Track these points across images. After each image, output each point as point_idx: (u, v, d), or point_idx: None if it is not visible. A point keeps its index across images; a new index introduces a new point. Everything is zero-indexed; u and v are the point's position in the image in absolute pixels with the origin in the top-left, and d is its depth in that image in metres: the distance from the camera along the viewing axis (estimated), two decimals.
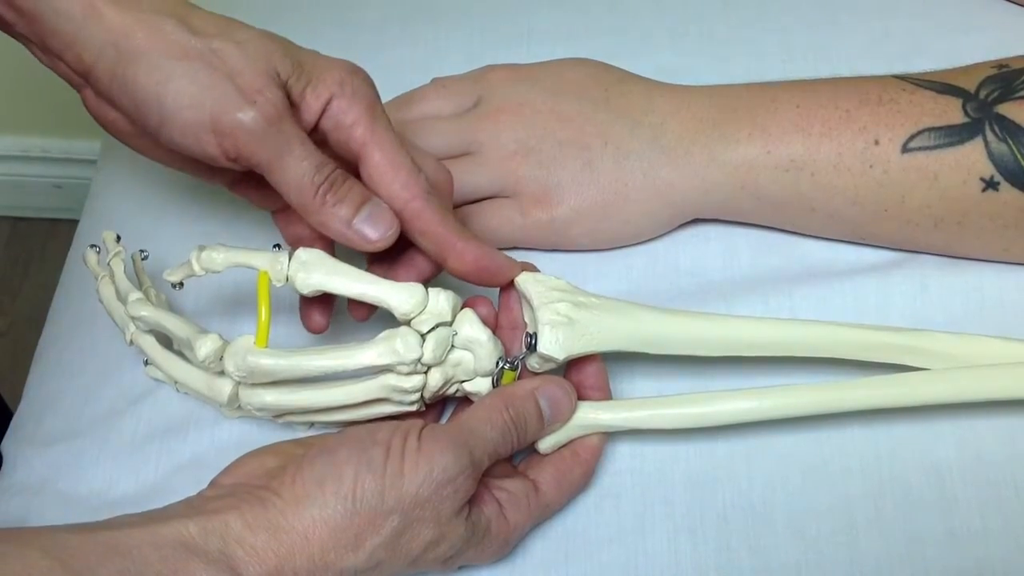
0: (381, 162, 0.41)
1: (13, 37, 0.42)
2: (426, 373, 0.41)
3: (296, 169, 0.39)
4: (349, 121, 0.41)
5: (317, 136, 0.41)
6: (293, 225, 0.45)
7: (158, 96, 0.39)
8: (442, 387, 0.42)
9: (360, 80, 0.42)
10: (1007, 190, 0.44)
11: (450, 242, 0.41)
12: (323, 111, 0.41)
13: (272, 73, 0.39)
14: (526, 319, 0.43)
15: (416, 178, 0.41)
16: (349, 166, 0.42)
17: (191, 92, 0.38)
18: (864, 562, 0.42)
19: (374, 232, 0.40)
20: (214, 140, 0.39)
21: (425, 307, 0.41)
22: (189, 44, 0.39)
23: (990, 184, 0.44)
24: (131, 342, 0.45)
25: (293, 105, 0.40)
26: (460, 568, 0.41)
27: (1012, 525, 0.42)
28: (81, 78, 0.41)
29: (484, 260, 0.42)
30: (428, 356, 0.40)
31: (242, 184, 0.44)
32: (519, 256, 0.48)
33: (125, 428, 0.47)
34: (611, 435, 0.44)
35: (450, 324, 0.41)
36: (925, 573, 0.42)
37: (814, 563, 0.42)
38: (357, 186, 0.41)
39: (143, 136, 0.42)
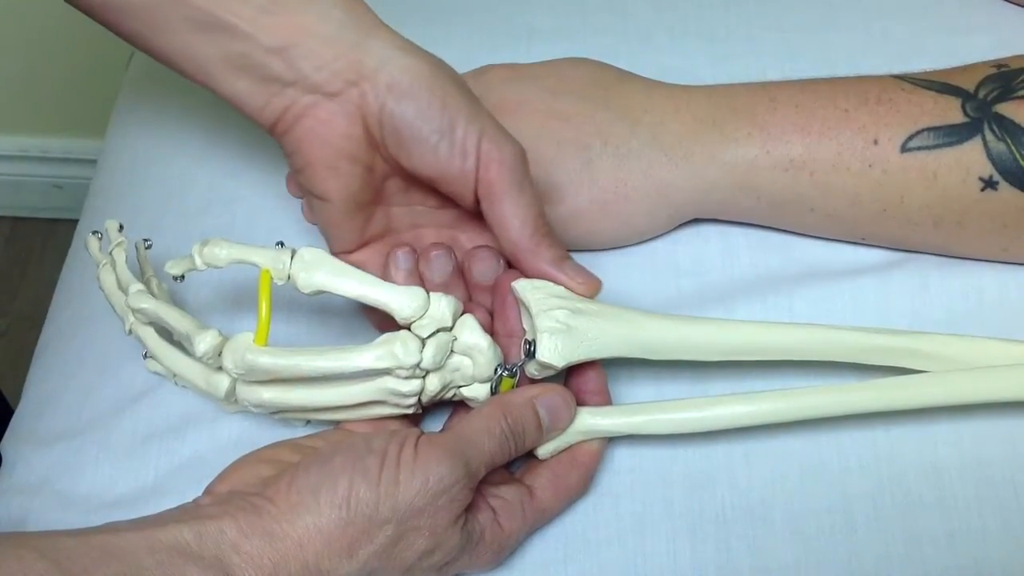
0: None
1: None
2: (424, 378, 0.41)
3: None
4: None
5: None
6: None
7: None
8: (440, 392, 0.42)
9: None
10: (1006, 189, 0.44)
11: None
12: None
13: None
14: (524, 325, 0.43)
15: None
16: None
17: None
18: (863, 561, 0.42)
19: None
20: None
21: (426, 312, 0.41)
22: None
23: (989, 184, 0.44)
24: (130, 331, 0.45)
25: None
26: (456, 574, 0.41)
27: (1011, 525, 0.42)
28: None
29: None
30: (427, 361, 0.40)
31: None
32: None
33: (125, 427, 0.47)
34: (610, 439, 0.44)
35: (450, 329, 0.41)
36: (924, 572, 0.42)
37: (813, 562, 0.42)
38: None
39: None
